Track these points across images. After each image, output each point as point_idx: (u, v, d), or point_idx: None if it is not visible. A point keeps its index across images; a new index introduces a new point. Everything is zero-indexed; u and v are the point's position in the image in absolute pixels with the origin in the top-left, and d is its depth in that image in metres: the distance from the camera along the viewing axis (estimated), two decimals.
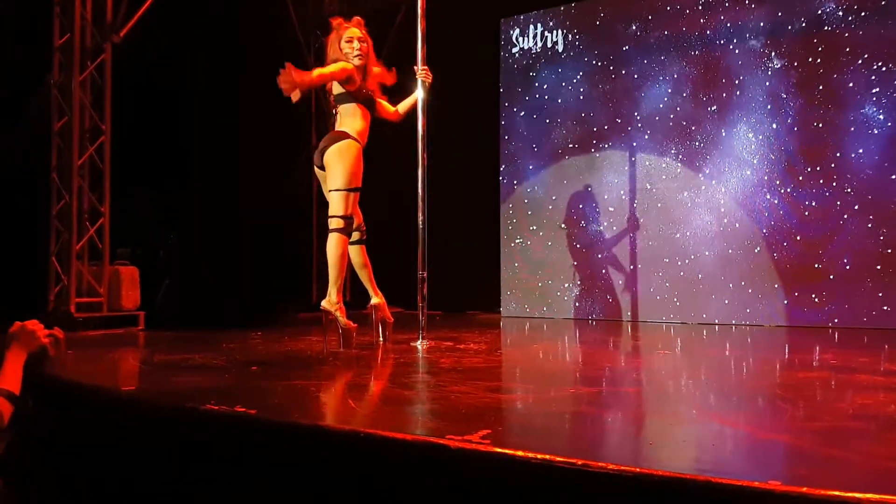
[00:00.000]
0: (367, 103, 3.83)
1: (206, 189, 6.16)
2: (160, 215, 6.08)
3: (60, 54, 5.19)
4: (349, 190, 3.61)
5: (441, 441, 1.59)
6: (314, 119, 7.38)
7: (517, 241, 6.43)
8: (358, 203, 3.76)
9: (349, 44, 3.77)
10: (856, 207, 4.99)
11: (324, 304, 3.62)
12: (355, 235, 3.84)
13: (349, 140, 3.66)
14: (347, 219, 3.62)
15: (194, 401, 2.12)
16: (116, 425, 2.34)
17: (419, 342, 3.74)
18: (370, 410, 2.21)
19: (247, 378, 2.73)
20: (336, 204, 3.61)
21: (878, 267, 4.90)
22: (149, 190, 5.85)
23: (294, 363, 3.21)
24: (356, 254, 3.92)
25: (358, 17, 3.89)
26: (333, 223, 3.62)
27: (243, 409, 1.96)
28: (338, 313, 3.60)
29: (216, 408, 2.00)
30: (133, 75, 5.44)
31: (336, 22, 3.87)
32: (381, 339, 3.91)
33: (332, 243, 3.60)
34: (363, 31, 3.84)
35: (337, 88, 3.77)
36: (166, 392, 2.41)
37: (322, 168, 3.74)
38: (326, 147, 3.67)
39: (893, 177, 4.88)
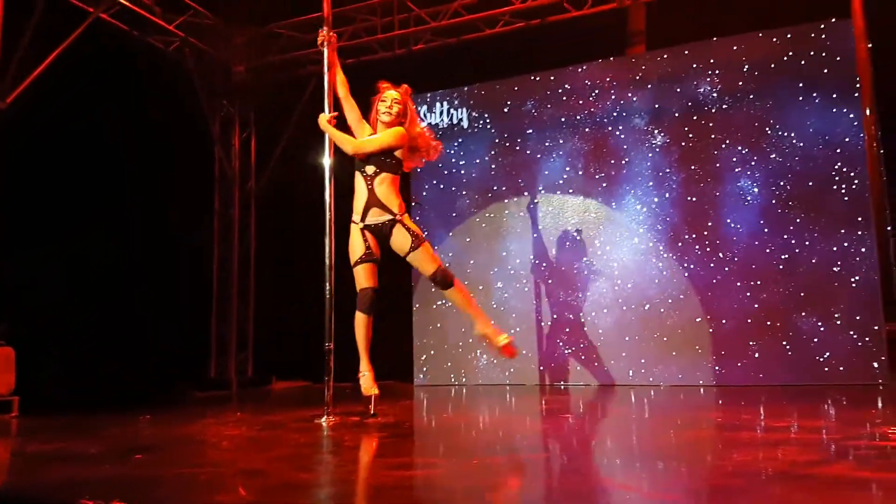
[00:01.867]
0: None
1: (95, 259, 5.84)
2: (45, 288, 5.68)
3: None
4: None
5: None
6: (217, 183, 7.24)
7: (429, 309, 6.43)
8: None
9: (383, 103, 3.74)
10: (735, 273, 5.36)
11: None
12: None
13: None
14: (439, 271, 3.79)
15: (67, 495, 1.94)
16: None
17: (324, 418, 3.62)
18: (262, 498, 2.09)
19: (129, 467, 2.53)
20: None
21: (757, 328, 5.24)
22: (34, 260, 5.48)
23: (184, 449, 3.01)
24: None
25: (405, 86, 3.81)
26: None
27: None
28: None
29: (90, 503, 1.83)
30: (25, 139, 5.18)
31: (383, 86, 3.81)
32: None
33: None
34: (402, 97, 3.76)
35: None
36: (35, 487, 2.20)
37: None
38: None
39: (767, 244, 5.28)
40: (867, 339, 4.95)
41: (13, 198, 5.14)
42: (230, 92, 7.17)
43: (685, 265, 5.54)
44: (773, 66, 5.39)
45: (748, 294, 5.30)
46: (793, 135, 5.29)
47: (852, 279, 5.03)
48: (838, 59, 5.19)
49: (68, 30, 5.45)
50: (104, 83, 5.74)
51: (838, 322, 5.03)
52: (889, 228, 5.30)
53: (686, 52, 5.71)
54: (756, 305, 5.27)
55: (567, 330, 5.85)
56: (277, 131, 7.28)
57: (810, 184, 5.21)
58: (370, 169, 3.70)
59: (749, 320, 5.27)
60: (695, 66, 5.65)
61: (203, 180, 7.13)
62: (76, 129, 5.63)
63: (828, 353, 5.04)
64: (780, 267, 5.23)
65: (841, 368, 4.98)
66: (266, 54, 7.09)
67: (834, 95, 5.18)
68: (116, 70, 5.89)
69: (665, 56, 5.79)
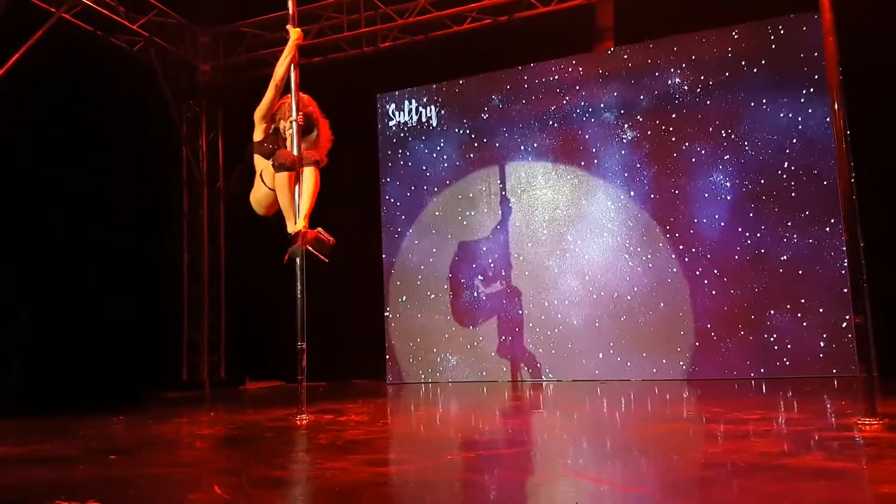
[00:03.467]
0: None
1: (63, 263, 5.75)
2: (10, 291, 5.57)
3: None
4: None
5: None
6: (185, 185, 7.15)
7: (400, 307, 6.45)
8: None
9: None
10: (710, 270, 5.39)
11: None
12: None
13: None
14: None
15: (40, 497, 1.93)
16: None
17: (298, 417, 3.63)
18: (236, 497, 2.10)
19: (103, 468, 2.52)
20: None
21: (730, 322, 5.30)
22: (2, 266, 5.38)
23: (157, 449, 3.01)
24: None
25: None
26: None
27: None
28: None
29: (66, 503, 1.83)
30: None
31: None
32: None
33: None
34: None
35: None
36: (8, 489, 2.18)
37: None
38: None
39: (739, 239, 5.32)
40: (839, 331, 4.99)
41: None
42: (196, 92, 7.09)
43: (656, 261, 5.57)
44: (743, 60, 5.41)
45: (721, 289, 5.33)
46: (765, 129, 5.29)
47: (825, 273, 5.07)
48: (808, 53, 5.19)
49: (30, 30, 5.35)
50: (68, 84, 5.64)
51: (811, 315, 5.08)
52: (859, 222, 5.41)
53: (655, 48, 5.72)
54: (729, 300, 5.30)
55: (538, 327, 5.91)
56: (245, 131, 7.21)
57: (782, 178, 5.23)
58: None
59: (722, 315, 5.31)
60: (664, 60, 5.67)
61: (172, 182, 7.04)
62: (40, 132, 5.52)
63: (801, 346, 5.09)
64: (753, 261, 5.25)
65: (813, 361, 5.04)
66: (232, 53, 7.03)
67: (805, 90, 5.21)
68: (80, 71, 5.79)
69: (634, 51, 5.80)
